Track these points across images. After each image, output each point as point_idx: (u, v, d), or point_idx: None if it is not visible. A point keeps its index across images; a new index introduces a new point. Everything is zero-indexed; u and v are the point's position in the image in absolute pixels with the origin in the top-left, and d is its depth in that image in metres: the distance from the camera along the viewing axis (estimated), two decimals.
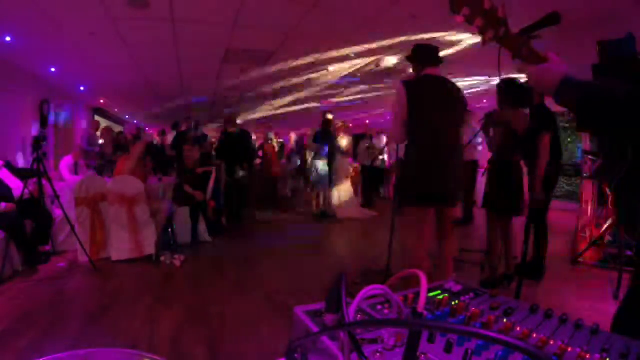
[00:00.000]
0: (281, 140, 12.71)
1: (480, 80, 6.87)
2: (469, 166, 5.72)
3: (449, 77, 2.52)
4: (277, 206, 7.77)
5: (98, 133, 7.70)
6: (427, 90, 2.32)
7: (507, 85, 3.05)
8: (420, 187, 2.31)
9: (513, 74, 2.54)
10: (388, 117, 12.06)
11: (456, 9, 0.89)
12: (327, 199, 6.80)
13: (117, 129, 10.62)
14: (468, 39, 4.54)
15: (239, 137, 6.11)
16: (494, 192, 3.18)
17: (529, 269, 3.18)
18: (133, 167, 4.11)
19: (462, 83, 6.26)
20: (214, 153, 6.16)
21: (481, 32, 0.89)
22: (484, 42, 0.92)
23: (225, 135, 6.18)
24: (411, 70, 2.56)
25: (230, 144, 5.96)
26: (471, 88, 7.24)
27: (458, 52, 5.01)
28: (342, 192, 6.80)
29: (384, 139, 8.04)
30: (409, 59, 2.52)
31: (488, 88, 7.15)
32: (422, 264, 2.28)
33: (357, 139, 8.18)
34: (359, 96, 8.85)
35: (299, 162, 9.84)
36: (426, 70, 2.39)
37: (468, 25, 0.89)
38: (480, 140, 5.75)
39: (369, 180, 7.71)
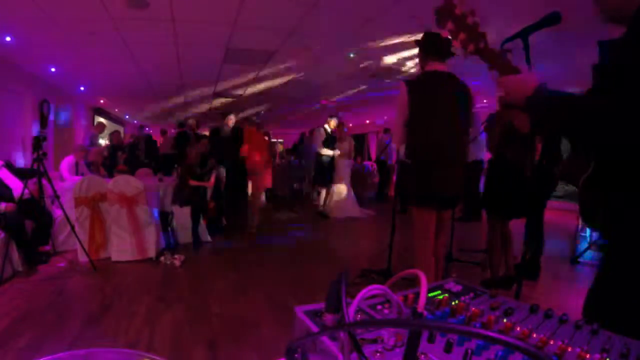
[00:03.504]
0: (281, 140, 12.69)
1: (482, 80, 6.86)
2: (472, 166, 5.72)
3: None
4: (278, 206, 7.78)
5: (102, 134, 7.82)
6: (429, 88, 2.28)
7: None
8: (423, 189, 2.29)
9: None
10: (386, 117, 12.08)
11: (442, 23, 1.00)
12: (327, 198, 6.81)
13: (116, 129, 10.63)
14: None
15: (230, 136, 5.91)
16: (493, 193, 3.17)
17: (525, 268, 3.18)
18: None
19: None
20: None
21: (464, 45, 0.98)
22: (465, 54, 1.02)
23: (213, 134, 6.08)
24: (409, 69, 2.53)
25: (219, 144, 5.79)
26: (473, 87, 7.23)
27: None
28: (342, 192, 6.80)
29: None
30: (417, 42, 2.42)
31: (489, 88, 7.14)
32: (426, 266, 2.28)
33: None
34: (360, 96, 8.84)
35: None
36: (430, 65, 2.32)
37: (452, 38, 1.00)
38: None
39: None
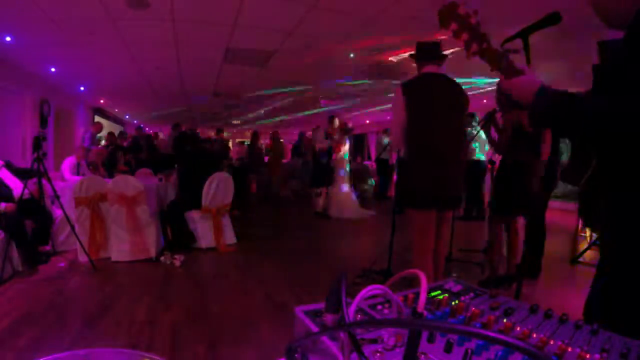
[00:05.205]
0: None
1: (482, 81, 6.87)
2: (473, 165, 5.74)
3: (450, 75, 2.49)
4: (279, 206, 7.78)
5: (101, 134, 7.82)
6: (424, 90, 2.30)
7: None
8: (423, 190, 2.29)
9: None
10: (388, 117, 12.07)
11: (445, 24, 0.99)
12: (326, 199, 6.81)
13: (116, 129, 10.63)
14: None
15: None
16: (507, 193, 3.14)
17: (526, 267, 3.17)
18: None
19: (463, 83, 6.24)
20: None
21: (466, 45, 0.98)
22: (468, 54, 1.01)
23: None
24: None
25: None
26: (473, 88, 7.24)
27: (458, 52, 5.02)
28: (342, 192, 6.80)
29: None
30: (412, 56, 2.51)
31: (489, 88, 7.15)
32: (425, 266, 2.28)
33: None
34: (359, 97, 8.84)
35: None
36: (426, 68, 2.36)
37: (455, 39, 0.99)
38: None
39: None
